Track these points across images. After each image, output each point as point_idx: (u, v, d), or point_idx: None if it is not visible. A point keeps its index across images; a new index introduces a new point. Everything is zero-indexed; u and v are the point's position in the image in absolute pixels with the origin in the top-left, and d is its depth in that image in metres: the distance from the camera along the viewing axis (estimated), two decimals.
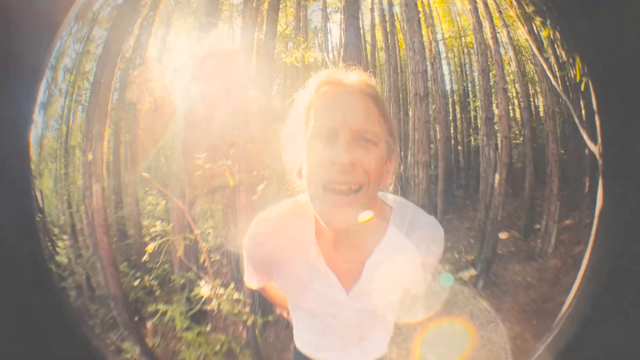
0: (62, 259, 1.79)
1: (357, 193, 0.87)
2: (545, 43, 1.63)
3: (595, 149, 1.49)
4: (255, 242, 1.05)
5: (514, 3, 1.68)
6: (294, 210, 1.03)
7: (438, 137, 1.49)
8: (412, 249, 0.97)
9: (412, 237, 0.98)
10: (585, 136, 1.56)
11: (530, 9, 1.66)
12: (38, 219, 1.78)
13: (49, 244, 1.78)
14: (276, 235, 1.02)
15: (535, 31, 1.65)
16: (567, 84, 1.68)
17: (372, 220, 0.92)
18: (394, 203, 1.02)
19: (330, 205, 0.87)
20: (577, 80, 1.56)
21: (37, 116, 1.74)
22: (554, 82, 1.64)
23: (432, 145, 1.47)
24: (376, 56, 1.46)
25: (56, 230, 1.78)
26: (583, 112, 1.62)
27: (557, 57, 1.67)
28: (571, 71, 1.64)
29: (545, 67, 1.62)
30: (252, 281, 1.16)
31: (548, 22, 1.62)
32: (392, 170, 0.96)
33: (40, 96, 1.77)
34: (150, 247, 1.60)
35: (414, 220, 0.99)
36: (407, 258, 0.97)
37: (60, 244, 1.78)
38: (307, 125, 0.92)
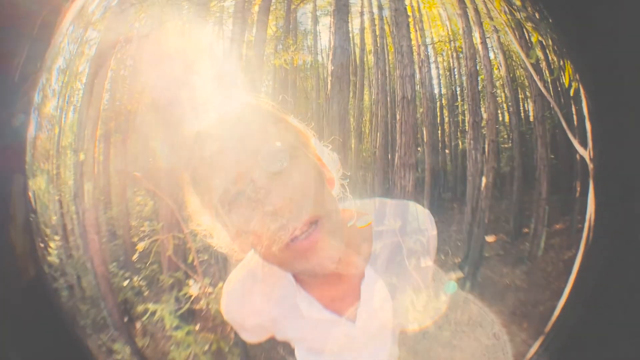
0: (54, 259, 1.80)
1: (317, 224, 0.72)
2: (537, 48, 1.64)
3: (585, 153, 1.50)
4: (236, 315, 0.93)
5: (505, 8, 1.69)
6: (262, 268, 0.91)
7: (425, 140, 1.50)
8: (404, 249, 0.92)
9: (401, 237, 0.91)
10: (574, 141, 1.56)
11: (521, 15, 1.67)
12: (31, 219, 1.79)
13: (42, 244, 1.78)
14: (256, 303, 0.92)
15: (527, 37, 1.66)
16: (559, 89, 1.68)
17: (353, 238, 0.85)
18: (368, 209, 0.94)
19: (303, 259, 0.73)
20: (567, 86, 1.57)
21: (32, 117, 1.75)
22: (542, 88, 1.65)
23: (419, 149, 1.48)
24: (365, 59, 1.47)
25: (48, 231, 1.78)
26: (574, 117, 1.62)
27: (548, 63, 1.68)
28: (562, 76, 1.65)
29: (533, 72, 1.63)
30: (252, 339, 1.07)
31: (539, 27, 1.63)
32: (328, 169, 0.85)
33: (35, 97, 1.78)
34: (141, 246, 1.61)
35: (394, 218, 0.91)
36: (402, 261, 0.92)
37: (52, 244, 1.78)
38: (209, 198, 0.77)
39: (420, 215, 0.96)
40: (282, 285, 0.90)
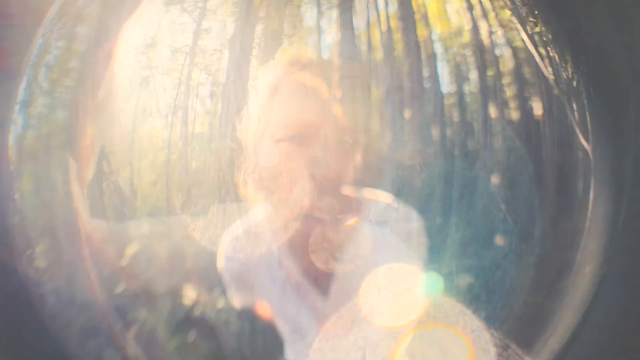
0: (41, 263, 1.74)
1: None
2: (539, 42, 1.63)
3: (588, 147, 1.48)
4: (227, 265, 1.02)
5: (508, 3, 1.67)
6: (257, 225, 0.99)
7: (433, 138, 1.47)
8: (389, 241, 0.94)
9: (389, 230, 0.94)
10: (580, 136, 1.55)
11: (525, 9, 1.65)
12: (17, 221, 1.72)
13: (28, 248, 1.72)
14: (245, 256, 1.00)
15: (529, 30, 1.64)
16: (561, 85, 1.67)
17: (344, 216, 0.89)
18: (367, 197, 0.98)
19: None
20: (570, 79, 1.55)
21: (17, 115, 1.69)
22: (550, 80, 1.63)
23: (428, 147, 1.45)
24: (372, 55, 1.44)
25: (35, 234, 1.72)
26: (575, 112, 1.61)
27: (549, 57, 1.66)
28: (563, 72, 1.64)
29: (541, 65, 1.61)
30: (246, 300, 1.13)
31: (541, 20, 1.62)
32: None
33: (21, 95, 1.71)
34: (131, 250, 1.57)
35: (389, 211, 0.95)
36: (385, 251, 0.94)
37: (39, 247, 1.72)
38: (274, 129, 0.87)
39: (415, 222, 0.99)
40: (272, 244, 0.96)
